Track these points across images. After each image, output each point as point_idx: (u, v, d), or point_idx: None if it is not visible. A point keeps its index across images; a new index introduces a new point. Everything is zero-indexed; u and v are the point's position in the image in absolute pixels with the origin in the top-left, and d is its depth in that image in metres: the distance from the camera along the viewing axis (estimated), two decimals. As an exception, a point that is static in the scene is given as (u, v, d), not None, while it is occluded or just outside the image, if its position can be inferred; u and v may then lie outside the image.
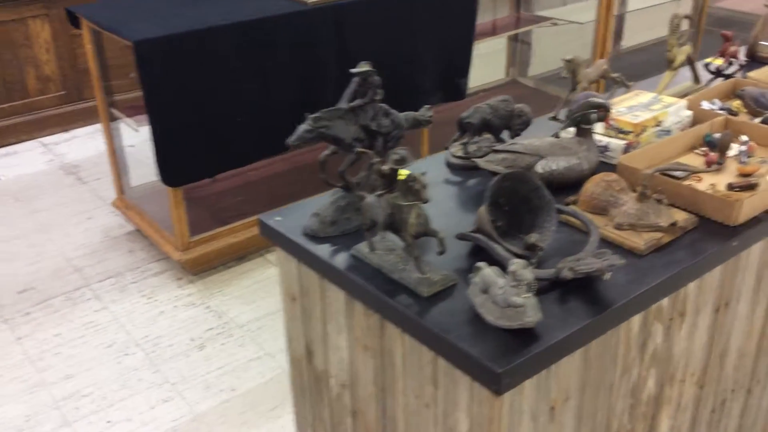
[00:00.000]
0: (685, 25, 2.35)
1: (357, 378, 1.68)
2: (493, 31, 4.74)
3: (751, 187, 1.79)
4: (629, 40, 5.80)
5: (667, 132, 2.06)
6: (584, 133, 1.87)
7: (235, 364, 2.83)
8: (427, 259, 1.52)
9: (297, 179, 3.84)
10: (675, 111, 2.05)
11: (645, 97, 2.11)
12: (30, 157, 4.62)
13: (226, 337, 2.98)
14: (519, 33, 4.96)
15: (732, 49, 2.54)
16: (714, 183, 1.83)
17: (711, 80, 2.54)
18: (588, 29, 4.67)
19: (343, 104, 1.66)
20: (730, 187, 1.79)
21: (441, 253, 1.46)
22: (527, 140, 1.86)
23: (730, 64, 2.59)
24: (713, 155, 1.92)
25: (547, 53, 5.13)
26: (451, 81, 3.78)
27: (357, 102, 1.66)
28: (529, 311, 1.31)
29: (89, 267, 3.46)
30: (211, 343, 2.95)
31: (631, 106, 2.05)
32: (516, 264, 1.33)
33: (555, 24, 4.73)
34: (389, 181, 1.46)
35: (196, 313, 3.13)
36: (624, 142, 1.95)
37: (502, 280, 1.35)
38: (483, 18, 4.99)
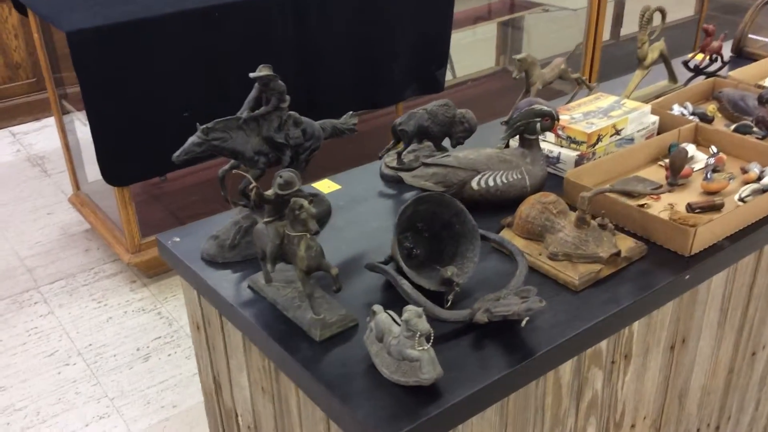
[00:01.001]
0: (657, 20, 2.12)
1: (260, 421, 1.49)
2: (482, 16, 4.52)
3: (714, 209, 1.58)
4: (630, 27, 5.53)
5: (630, 141, 1.84)
6: (528, 143, 1.66)
7: (179, 378, 2.66)
8: (332, 293, 1.33)
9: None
10: (637, 117, 1.83)
11: (606, 100, 1.90)
12: (27, 141, 4.46)
13: (173, 347, 2.81)
14: (510, 19, 4.72)
15: (714, 44, 2.31)
16: (673, 203, 1.62)
17: (690, 79, 2.32)
18: (583, 16, 4.43)
19: (244, 113, 1.46)
20: (690, 208, 1.58)
21: (337, 290, 1.27)
22: (463, 152, 1.66)
23: (713, 60, 2.36)
24: (686, 169, 1.71)
25: (540, 41, 4.90)
26: (426, 72, 3.56)
27: (261, 110, 1.47)
28: (425, 367, 1.12)
29: (41, 267, 3.30)
30: (157, 353, 2.78)
31: (588, 111, 1.83)
32: (409, 312, 1.13)
33: (546, 10, 4.49)
34: (275, 207, 1.26)
35: (147, 319, 2.96)
36: (576, 153, 1.74)
37: (397, 328, 1.15)
38: (472, 3, 4.77)
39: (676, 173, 1.46)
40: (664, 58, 2.18)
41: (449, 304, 1.31)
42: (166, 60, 2.78)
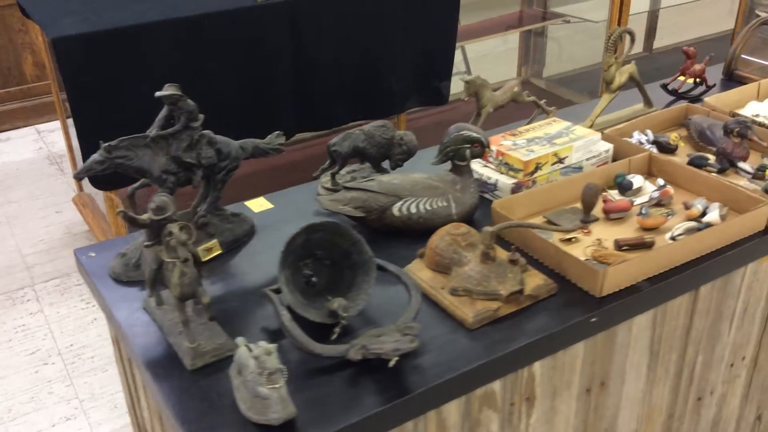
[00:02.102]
0: (627, 42, 2.04)
1: (160, 442, 1.48)
2: (503, 26, 4.44)
3: (643, 246, 1.50)
4: (664, 40, 5.37)
5: (578, 169, 1.77)
6: (459, 170, 1.61)
7: (150, 383, 2.67)
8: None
9: (255, 183, 3.65)
10: (585, 145, 1.76)
11: (556, 126, 1.83)
12: (21, 145, 4.58)
13: (150, 351, 2.83)
14: (533, 30, 4.63)
15: (696, 67, 2.21)
16: (601, 239, 1.55)
17: (671, 103, 2.22)
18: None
19: (153, 131, 1.45)
20: (617, 245, 1.51)
21: (210, 319, 1.25)
22: (389, 176, 1.62)
23: (697, 84, 2.26)
24: (618, 202, 1.63)
25: (563, 53, 4.79)
26: (429, 84, 3.51)
27: (170, 129, 1.45)
28: (274, 406, 1.09)
29: (39, 265, 3.37)
30: (133, 357, 2.80)
31: (534, 138, 1.77)
32: (260, 348, 1.10)
33: (567, 21, 4.39)
34: (153, 232, 1.25)
35: (130, 322, 2.99)
36: (513, 181, 1.68)
37: (253, 363, 1.13)
38: (493, 13, 4.69)
39: (588, 210, 1.39)
40: (636, 82, 2.08)
41: (334, 336, 1.28)
42: (154, 68, 2.79)
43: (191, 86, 2.88)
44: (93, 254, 1.56)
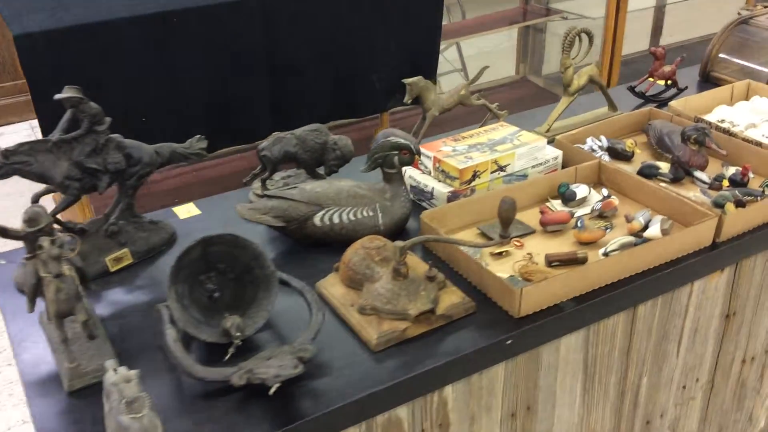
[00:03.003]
0: (585, 42, 1.94)
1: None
2: (499, 23, 4.33)
3: (574, 262, 1.41)
4: (672, 37, 5.21)
5: (523, 177, 1.68)
6: (389, 178, 1.53)
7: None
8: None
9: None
10: (529, 152, 1.66)
11: (503, 132, 1.73)
12: (14, 140, 4.55)
13: (114, 354, 2.78)
14: (531, 26, 4.51)
15: (665, 69, 2.10)
16: (531, 253, 1.46)
17: (639, 107, 2.11)
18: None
19: (55, 135, 1.39)
20: (548, 260, 1.42)
21: (90, 338, 1.18)
22: (313, 183, 1.54)
23: (668, 86, 2.14)
24: (556, 213, 1.54)
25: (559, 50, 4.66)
26: (412, 82, 3.41)
27: (73, 134, 1.39)
28: (136, 436, 1.02)
29: (16, 263, 3.34)
30: (97, 359, 2.76)
31: (477, 144, 1.68)
32: (118, 375, 1.03)
33: (565, 18, 4.26)
34: (31, 244, 1.18)
35: (99, 323, 2.94)
36: (449, 189, 1.59)
37: (115, 390, 1.05)
38: (489, 9, 4.58)
39: (506, 225, 1.29)
40: (598, 85, 1.98)
41: (227, 357, 1.20)
42: (121, 65, 2.73)
43: (160, 84, 2.85)
44: (3, 262, 1.50)
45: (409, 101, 1.78)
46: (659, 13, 5.09)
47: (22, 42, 2.54)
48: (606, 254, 1.41)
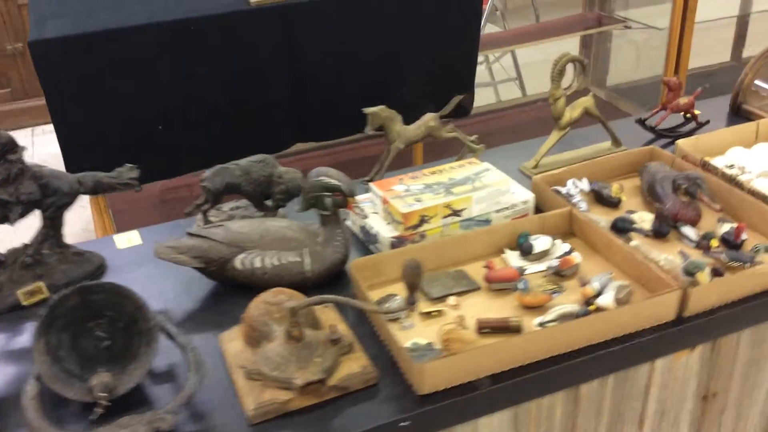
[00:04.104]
0: (577, 72, 1.74)
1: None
2: (559, 31, 4.10)
3: (507, 331, 1.24)
4: (752, 48, 4.81)
5: (485, 223, 1.52)
6: (325, 220, 1.40)
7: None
8: None
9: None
10: (491, 196, 1.50)
11: (469, 169, 1.58)
12: None
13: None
14: (594, 36, 4.25)
15: (682, 101, 1.87)
16: (464, 316, 1.30)
17: (650, 142, 1.89)
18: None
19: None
20: (479, 327, 1.26)
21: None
22: (239, 222, 1.43)
23: (688, 120, 1.92)
24: (502, 270, 1.37)
25: (626, 60, 4.38)
26: (447, 96, 3.24)
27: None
28: None
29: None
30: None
31: (435, 183, 1.53)
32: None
33: (628, 27, 3.99)
34: None
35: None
36: (392, 234, 1.45)
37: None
38: (549, 15, 4.35)
39: (411, 290, 1.14)
40: (596, 118, 1.78)
41: (94, 418, 1.11)
42: (138, 73, 2.70)
43: (177, 92, 2.81)
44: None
45: (370, 132, 1.64)
46: (742, 22, 4.71)
47: (37, 48, 2.54)
48: (542, 325, 1.24)
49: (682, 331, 1.27)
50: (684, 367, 1.35)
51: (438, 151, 3.42)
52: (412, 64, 3.15)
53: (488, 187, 1.50)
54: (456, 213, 1.48)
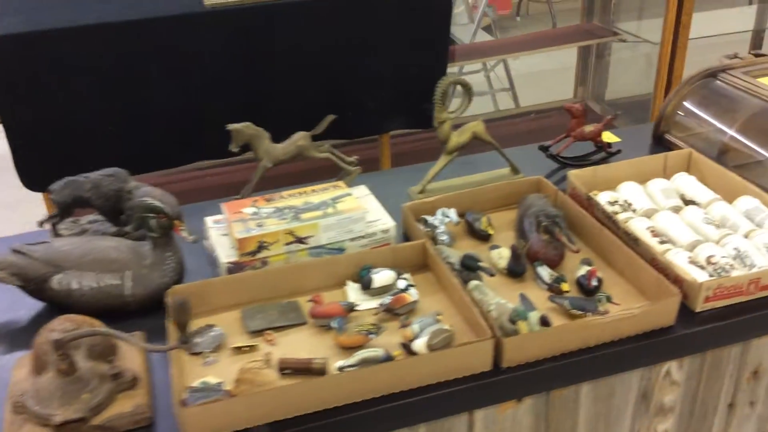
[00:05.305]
0: (460, 95, 1.65)
1: None
2: (551, 42, 3.96)
3: (309, 373, 1.17)
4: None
5: (338, 251, 1.44)
6: (154, 242, 1.34)
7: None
8: None
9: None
10: (341, 223, 1.42)
11: (329, 194, 1.50)
12: None
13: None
14: (593, 48, 4.10)
15: (588, 129, 1.75)
16: (270, 352, 1.22)
17: (555, 172, 1.78)
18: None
19: None
20: (280, 368, 1.18)
21: None
22: (65, 240, 1.38)
23: (598, 149, 1.80)
24: (328, 306, 1.29)
25: (621, 75, 4.21)
26: (415, 105, 3.16)
27: None
28: None
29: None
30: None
31: (288, 207, 1.45)
32: None
33: (623, 40, 3.83)
34: None
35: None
36: (230, 259, 1.38)
37: None
38: (545, 26, 4.22)
39: (181, 329, 1.07)
40: (488, 143, 1.68)
41: None
42: (88, 72, 2.69)
43: (129, 93, 2.79)
44: None
45: (235, 149, 1.57)
46: (757, 37, 4.50)
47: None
48: (341, 369, 1.16)
49: (499, 382, 1.17)
50: (512, 420, 1.25)
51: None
52: (377, 73, 3.06)
53: (340, 214, 1.42)
54: (300, 240, 1.40)
